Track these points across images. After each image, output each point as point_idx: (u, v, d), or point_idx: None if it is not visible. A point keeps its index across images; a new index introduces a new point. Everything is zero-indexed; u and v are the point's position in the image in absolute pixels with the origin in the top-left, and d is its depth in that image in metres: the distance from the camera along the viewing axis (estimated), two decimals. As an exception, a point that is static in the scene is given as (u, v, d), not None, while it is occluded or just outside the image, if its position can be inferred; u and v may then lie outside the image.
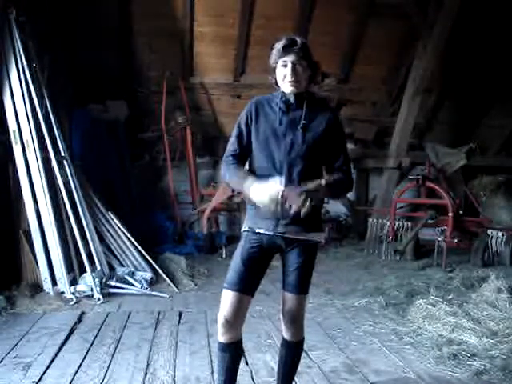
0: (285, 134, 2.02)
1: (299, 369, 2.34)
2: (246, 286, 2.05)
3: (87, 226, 4.64)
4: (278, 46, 1.99)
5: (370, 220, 6.84)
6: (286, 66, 1.98)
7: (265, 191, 1.86)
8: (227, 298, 2.04)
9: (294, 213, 1.89)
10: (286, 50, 1.97)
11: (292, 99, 2.03)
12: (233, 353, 2.10)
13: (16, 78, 4.38)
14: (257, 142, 2.07)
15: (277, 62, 2.01)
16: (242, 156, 2.12)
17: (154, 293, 4.42)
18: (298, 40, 1.99)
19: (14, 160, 4.37)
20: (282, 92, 2.06)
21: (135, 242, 5.02)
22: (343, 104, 7.87)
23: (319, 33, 6.74)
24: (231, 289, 2.04)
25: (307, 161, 2.02)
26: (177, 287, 4.67)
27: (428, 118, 8.16)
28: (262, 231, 2.07)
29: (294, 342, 2.20)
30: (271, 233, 2.05)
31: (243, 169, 2.10)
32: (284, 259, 2.12)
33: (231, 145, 2.13)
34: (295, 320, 2.13)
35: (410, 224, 6.28)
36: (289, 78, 1.98)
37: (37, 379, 2.63)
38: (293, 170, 2.01)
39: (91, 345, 3.16)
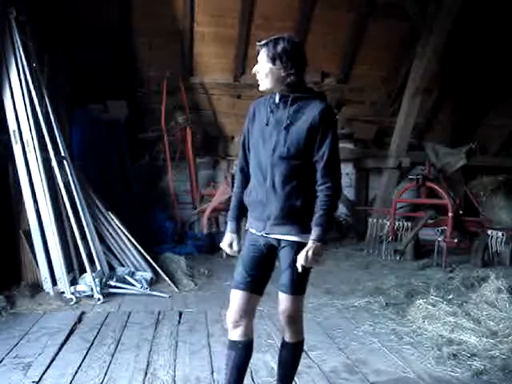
0: (271, 135, 2.04)
1: (299, 369, 2.34)
2: (249, 284, 2.08)
3: (87, 225, 4.64)
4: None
5: (370, 220, 6.84)
6: None
7: (223, 241, 2.23)
8: (232, 296, 2.11)
9: (278, 213, 2.02)
10: (257, 50, 2.06)
11: (277, 99, 2.05)
12: (240, 351, 2.11)
13: (16, 77, 4.38)
14: (251, 143, 2.13)
15: None
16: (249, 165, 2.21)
17: (154, 293, 4.42)
18: (272, 42, 2.00)
19: (14, 160, 4.37)
20: (272, 93, 2.08)
21: (135, 242, 5.02)
22: (343, 104, 7.87)
23: (319, 33, 6.74)
24: (236, 288, 2.10)
25: (290, 162, 2.00)
26: (177, 287, 4.67)
27: (428, 118, 8.16)
28: (253, 231, 2.13)
29: (292, 344, 2.19)
30: (259, 233, 2.09)
31: (238, 196, 2.22)
32: (278, 259, 2.14)
33: (239, 154, 2.25)
34: (291, 321, 2.12)
35: (409, 224, 6.28)
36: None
37: (37, 379, 2.63)
38: (275, 171, 2.01)
39: (91, 345, 3.16)
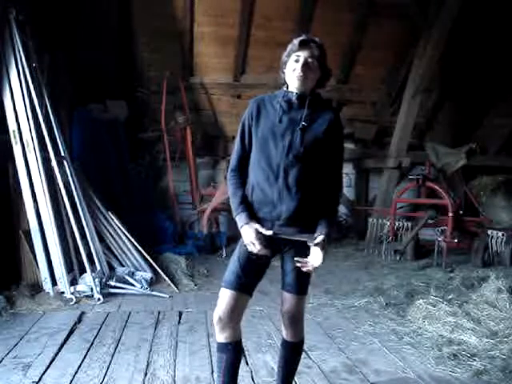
0: (283, 134, 1.99)
1: (299, 369, 2.35)
2: (243, 285, 2.04)
3: (87, 225, 4.64)
4: (296, 40, 2.00)
5: (370, 220, 6.84)
6: (298, 61, 1.98)
7: (246, 237, 1.98)
8: (223, 296, 2.04)
9: (290, 213, 1.98)
10: (302, 45, 1.98)
11: (294, 98, 2.01)
12: (230, 353, 2.07)
13: (16, 78, 4.38)
14: (256, 142, 2.05)
15: (290, 56, 2.01)
16: (247, 162, 2.11)
17: (154, 293, 4.42)
18: (318, 40, 2.02)
19: (14, 160, 4.37)
20: (285, 91, 2.04)
21: (135, 242, 5.02)
22: (343, 104, 7.87)
23: (319, 33, 6.59)
24: (227, 287, 2.04)
25: (304, 163, 1.99)
26: (177, 287, 4.67)
27: (428, 117, 8.16)
28: None
29: (293, 343, 2.19)
30: (265, 233, 2.04)
31: (241, 192, 2.08)
32: (282, 259, 2.12)
33: (235, 152, 2.14)
34: (294, 320, 2.13)
35: (409, 224, 6.28)
36: (298, 71, 1.97)
37: (37, 379, 2.63)
38: (289, 172, 1.98)
39: (91, 345, 3.16)
